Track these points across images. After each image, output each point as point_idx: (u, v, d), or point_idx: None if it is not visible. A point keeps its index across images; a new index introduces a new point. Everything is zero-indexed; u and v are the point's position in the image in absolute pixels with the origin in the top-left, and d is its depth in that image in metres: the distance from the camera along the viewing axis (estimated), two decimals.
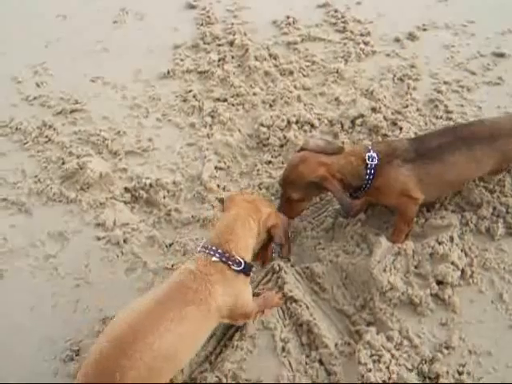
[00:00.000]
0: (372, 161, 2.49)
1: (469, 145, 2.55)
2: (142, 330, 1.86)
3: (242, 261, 2.13)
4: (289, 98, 3.69)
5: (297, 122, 3.44)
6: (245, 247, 2.19)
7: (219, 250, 2.11)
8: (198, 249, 2.19)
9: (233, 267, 2.11)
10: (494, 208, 2.84)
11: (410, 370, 2.25)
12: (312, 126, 3.45)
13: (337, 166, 2.48)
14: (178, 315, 1.93)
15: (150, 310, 1.93)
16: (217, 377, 2.25)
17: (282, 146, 3.33)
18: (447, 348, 2.33)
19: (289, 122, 3.43)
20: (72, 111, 3.73)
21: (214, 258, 2.11)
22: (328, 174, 2.44)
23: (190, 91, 3.84)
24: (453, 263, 2.54)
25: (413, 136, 3.21)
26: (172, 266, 2.72)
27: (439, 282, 2.52)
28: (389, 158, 2.50)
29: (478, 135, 2.58)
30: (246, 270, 2.17)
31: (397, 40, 4.24)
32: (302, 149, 2.60)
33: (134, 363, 1.79)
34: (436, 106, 3.56)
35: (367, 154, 2.49)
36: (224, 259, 2.10)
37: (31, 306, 2.61)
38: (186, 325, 1.95)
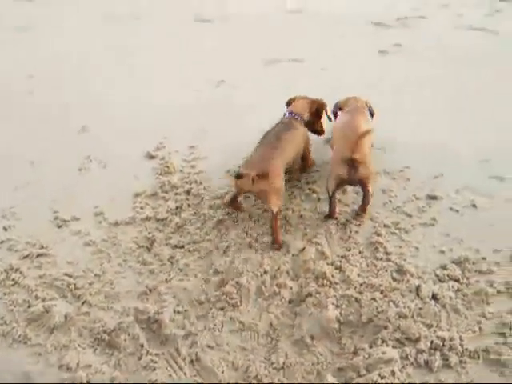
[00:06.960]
0: None
1: None
2: None
3: None
4: (241, 244, 4.03)
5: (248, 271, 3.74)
6: None
7: None
8: None
9: None
10: (431, 342, 3.15)
11: None
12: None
13: None
14: None
15: None
16: None
17: (237, 291, 3.58)
18: None
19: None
20: (38, 255, 3.96)
21: None
22: None
23: (149, 238, 4.16)
24: None
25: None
26: None
27: None
28: None
29: None
30: None
31: None
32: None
33: None
34: (376, 249, 3.90)
35: None
36: None
37: None
38: None
